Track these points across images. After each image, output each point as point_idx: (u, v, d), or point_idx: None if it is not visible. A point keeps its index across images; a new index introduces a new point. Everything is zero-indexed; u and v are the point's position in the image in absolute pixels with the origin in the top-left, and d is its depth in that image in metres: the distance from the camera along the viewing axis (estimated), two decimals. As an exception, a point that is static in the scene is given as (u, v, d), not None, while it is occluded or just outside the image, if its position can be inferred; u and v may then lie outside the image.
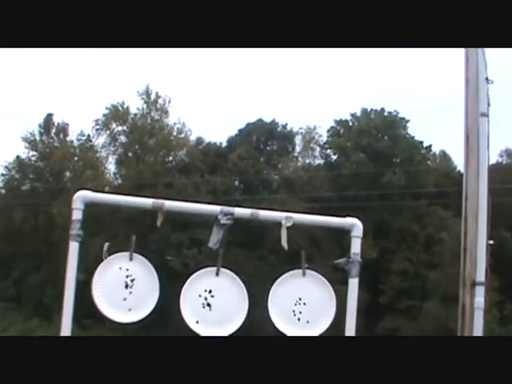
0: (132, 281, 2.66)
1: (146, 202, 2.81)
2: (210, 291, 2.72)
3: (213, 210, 2.74)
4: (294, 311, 2.71)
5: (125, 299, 2.65)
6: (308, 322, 2.71)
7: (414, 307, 26.63)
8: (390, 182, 28.96)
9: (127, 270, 2.68)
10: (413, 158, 29.63)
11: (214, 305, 2.69)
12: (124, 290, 2.66)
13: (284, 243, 2.74)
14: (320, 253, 26.07)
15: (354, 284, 2.81)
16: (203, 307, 2.68)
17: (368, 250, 27.13)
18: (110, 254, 2.71)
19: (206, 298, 2.70)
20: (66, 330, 2.64)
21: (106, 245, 2.73)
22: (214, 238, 2.71)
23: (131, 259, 2.70)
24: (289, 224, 2.78)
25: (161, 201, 2.78)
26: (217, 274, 2.77)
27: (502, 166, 28.25)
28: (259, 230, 26.63)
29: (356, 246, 2.81)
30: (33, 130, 29.83)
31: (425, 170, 29.82)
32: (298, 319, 2.71)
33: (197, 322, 2.67)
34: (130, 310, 2.65)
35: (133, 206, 2.99)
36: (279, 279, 2.74)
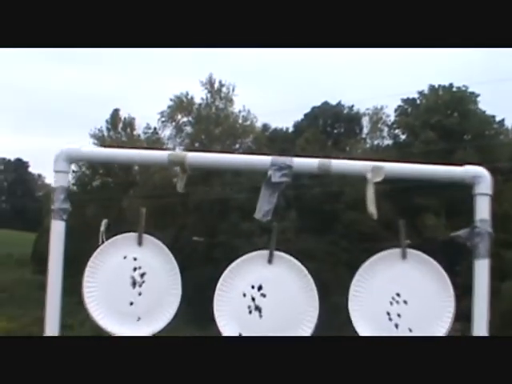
0: (142, 276, 1.83)
1: (160, 155, 1.90)
2: (260, 288, 1.80)
3: (260, 163, 1.82)
4: (388, 314, 1.76)
5: (132, 303, 1.79)
6: (411, 330, 1.75)
7: (492, 288, 25.14)
8: (462, 160, 27.43)
9: (135, 259, 1.84)
10: (485, 133, 28.05)
11: (265, 308, 1.77)
12: (130, 289, 1.81)
13: (372, 208, 1.81)
14: (392, 236, 24.97)
15: (482, 267, 1.80)
16: (249, 312, 1.77)
17: (443, 230, 25.97)
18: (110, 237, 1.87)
19: (253, 299, 1.78)
20: (51, 330, 1.95)
21: (104, 222, 1.87)
22: (264, 205, 1.80)
23: (140, 244, 1.82)
24: (378, 178, 1.85)
25: (182, 153, 1.88)
26: (269, 262, 1.87)
27: None
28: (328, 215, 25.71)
29: (483, 210, 1.82)
30: (100, 126, 29.69)
31: (498, 144, 28.23)
32: (396, 325, 1.75)
33: (240, 336, 1.75)
34: (139, 319, 1.79)
35: (143, 162, 2.15)
36: (365, 264, 1.81)
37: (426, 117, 28.15)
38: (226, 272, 1.84)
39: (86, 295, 1.83)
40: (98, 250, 1.86)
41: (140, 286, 1.82)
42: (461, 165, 1.86)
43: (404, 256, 1.83)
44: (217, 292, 1.80)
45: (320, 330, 1.74)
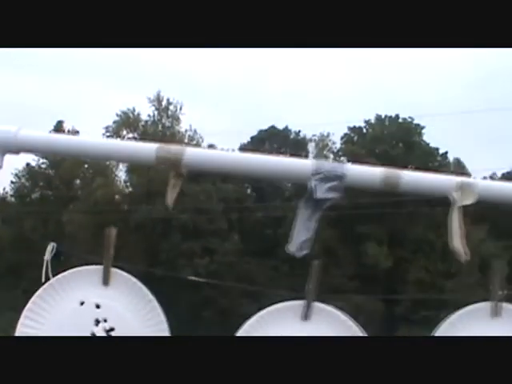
0: (108, 332, 1.59)
1: (147, 150, 1.54)
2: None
3: (298, 169, 1.49)
4: None
5: None
6: None
7: (429, 317, 26.86)
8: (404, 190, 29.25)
9: (97, 306, 1.59)
10: (428, 165, 30.02)
11: None
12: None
13: (456, 242, 1.48)
14: (335, 262, 26.40)
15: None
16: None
17: (383, 259, 27.53)
18: (57, 272, 1.65)
19: None
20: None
21: (51, 246, 1.62)
22: (300, 233, 1.39)
23: (106, 283, 1.59)
24: (467, 200, 1.52)
25: (177, 149, 1.52)
26: (305, 318, 1.55)
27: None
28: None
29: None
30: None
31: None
32: None
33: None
34: None
35: (121, 157, 1.73)
36: (446, 322, 1.53)
37: (372, 146, 29.98)
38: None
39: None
40: (43, 288, 1.55)
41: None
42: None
43: (497, 313, 1.47)
44: None
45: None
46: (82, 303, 1.57)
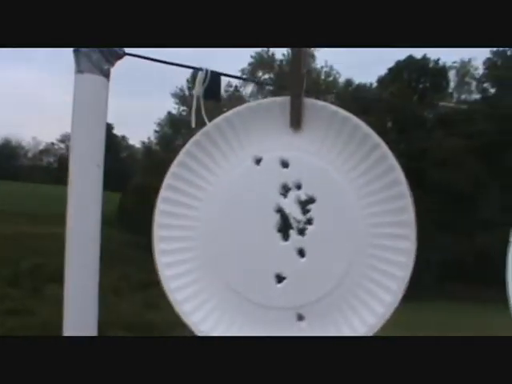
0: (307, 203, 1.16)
1: None
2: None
3: None
4: None
5: (280, 280, 1.18)
6: None
7: None
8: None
9: (284, 165, 1.17)
10: None
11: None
12: (278, 244, 1.18)
13: None
14: (484, 196, 29.59)
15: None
16: None
17: None
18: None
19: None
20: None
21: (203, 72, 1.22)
22: None
23: (297, 125, 1.17)
24: None
25: None
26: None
27: None
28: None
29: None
30: (182, 85, 33.92)
31: None
32: None
33: None
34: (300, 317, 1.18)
35: None
36: None
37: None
38: None
39: (168, 269, 1.17)
40: (193, 141, 1.17)
41: (300, 233, 1.12)
42: None
43: None
44: None
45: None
46: (258, 160, 1.16)
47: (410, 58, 34.20)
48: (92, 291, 1.24)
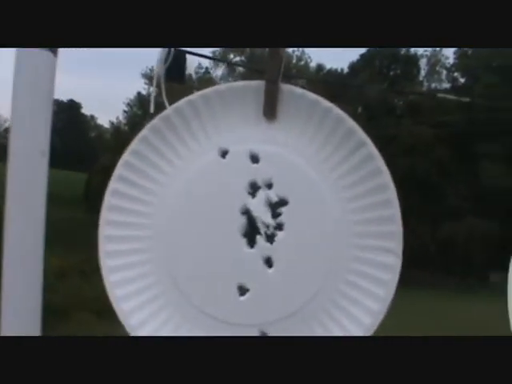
0: (275, 210, 1.00)
1: None
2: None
3: None
4: None
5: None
6: None
7: None
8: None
9: (253, 159, 1.02)
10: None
11: None
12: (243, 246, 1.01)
13: None
14: (448, 181, 29.87)
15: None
16: None
17: (501, 178, 30.58)
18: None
19: None
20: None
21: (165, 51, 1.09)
22: None
23: (271, 116, 1.01)
24: None
25: None
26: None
27: None
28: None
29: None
30: (152, 66, 33.64)
31: None
32: None
33: None
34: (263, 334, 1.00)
35: None
36: None
37: (489, 59, 32.46)
38: None
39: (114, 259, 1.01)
40: (149, 127, 1.03)
41: (269, 239, 0.98)
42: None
43: None
44: None
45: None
46: (224, 153, 1.01)
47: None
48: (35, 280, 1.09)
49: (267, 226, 1.02)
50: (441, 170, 30.70)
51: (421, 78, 33.99)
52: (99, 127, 45.40)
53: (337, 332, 1.03)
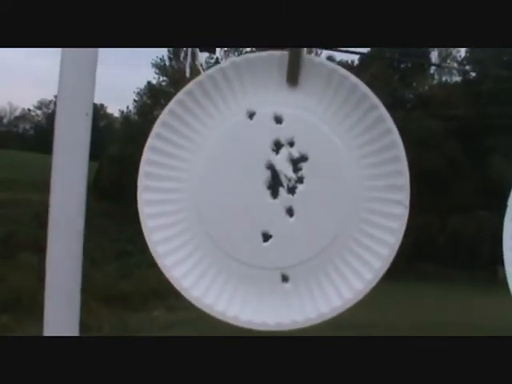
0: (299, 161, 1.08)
1: None
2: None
3: None
4: None
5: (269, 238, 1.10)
6: None
7: None
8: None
9: (278, 120, 1.10)
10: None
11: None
12: (269, 201, 1.10)
13: None
14: (457, 175, 29.96)
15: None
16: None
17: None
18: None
19: None
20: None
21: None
22: None
23: (294, 81, 1.09)
24: None
25: None
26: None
27: None
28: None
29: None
30: (162, 56, 33.62)
31: None
32: None
33: None
34: (284, 279, 1.10)
35: None
36: None
37: (499, 53, 32.47)
38: None
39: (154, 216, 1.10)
40: (185, 91, 1.12)
41: (290, 191, 1.07)
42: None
43: None
44: None
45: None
46: (251, 114, 1.11)
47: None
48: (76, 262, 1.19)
49: (289, 180, 1.15)
50: (451, 164, 30.67)
51: (431, 72, 33.97)
52: (109, 116, 45.57)
53: (349, 276, 1.15)
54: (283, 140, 1.16)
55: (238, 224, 1.16)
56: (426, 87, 33.36)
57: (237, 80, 1.19)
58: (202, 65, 1.23)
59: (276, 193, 1.13)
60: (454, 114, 31.83)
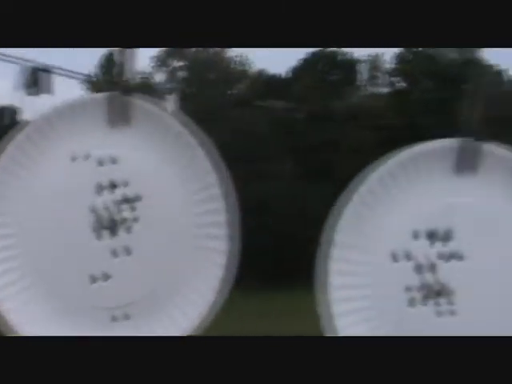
0: (131, 204, 1.09)
1: None
2: None
3: None
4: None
5: (105, 278, 1.10)
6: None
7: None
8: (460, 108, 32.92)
9: (113, 161, 1.11)
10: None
11: None
12: (97, 241, 1.10)
13: None
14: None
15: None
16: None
17: None
18: None
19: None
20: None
21: None
22: None
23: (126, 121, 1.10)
24: None
25: None
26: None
27: None
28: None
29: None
30: (92, 70, 33.30)
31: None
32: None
33: None
34: (125, 317, 1.11)
35: None
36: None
37: (428, 65, 33.11)
38: None
39: None
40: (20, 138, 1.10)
41: (128, 232, 1.07)
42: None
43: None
44: None
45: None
46: (73, 159, 1.11)
47: (323, 49, 34.66)
48: None
49: (123, 220, 1.17)
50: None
51: (361, 83, 34.50)
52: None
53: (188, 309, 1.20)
54: (109, 182, 1.17)
55: (66, 267, 1.19)
56: (357, 99, 33.83)
57: (62, 125, 1.20)
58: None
59: (100, 235, 1.14)
60: (383, 124, 32.27)
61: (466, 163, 1.14)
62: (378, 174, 1.16)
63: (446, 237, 1.16)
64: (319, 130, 31.18)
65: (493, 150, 1.17)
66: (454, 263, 1.15)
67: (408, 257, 1.15)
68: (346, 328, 1.16)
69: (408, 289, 1.13)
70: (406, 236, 1.15)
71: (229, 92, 34.58)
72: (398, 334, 1.13)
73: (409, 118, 32.65)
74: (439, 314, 1.14)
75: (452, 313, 1.14)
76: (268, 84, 34.56)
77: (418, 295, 1.15)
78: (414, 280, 1.14)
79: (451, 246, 1.15)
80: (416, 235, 1.16)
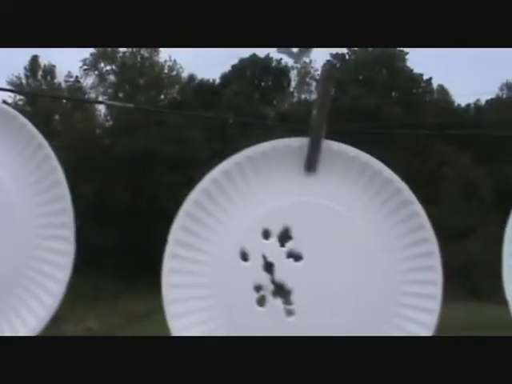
0: None
1: None
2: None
3: None
4: None
5: None
6: None
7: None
8: (389, 116, 33.53)
9: None
10: (412, 91, 34.10)
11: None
12: None
13: None
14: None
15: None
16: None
17: None
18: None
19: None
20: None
21: None
22: None
23: None
24: None
25: None
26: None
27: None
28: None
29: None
30: (18, 74, 32.71)
31: (424, 102, 34.19)
32: None
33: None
34: None
35: None
36: None
37: (355, 72, 33.60)
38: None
39: None
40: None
41: None
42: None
43: None
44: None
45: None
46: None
47: (254, 56, 34.81)
48: None
49: None
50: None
51: (291, 90, 34.84)
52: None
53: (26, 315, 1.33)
54: None
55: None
56: (286, 105, 34.12)
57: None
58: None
59: None
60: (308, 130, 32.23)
61: (308, 162, 1.29)
62: (211, 175, 1.30)
63: (285, 236, 1.25)
64: (248, 135, 31.24)
65: (332, 147, 1.32)
66: (292, 262, 1.24)
67: (254, 255, 1.26)
68: (183, 329, 1.26)
69: (257, 288, 1.22)
70: (254, 234, 1.26)
71: (159, 97, 34.38)
72: (245, 333, 1.21)
73: (338, 124, 32.79)
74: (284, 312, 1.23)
75: (289, 312, 1.24)
76: (198, 90, 34.53)
77: (267, 294, 1.23)
78: (264, 279, 1.23)
79: (290, 246, 1.25)
80: (265, 234, 1.26)
